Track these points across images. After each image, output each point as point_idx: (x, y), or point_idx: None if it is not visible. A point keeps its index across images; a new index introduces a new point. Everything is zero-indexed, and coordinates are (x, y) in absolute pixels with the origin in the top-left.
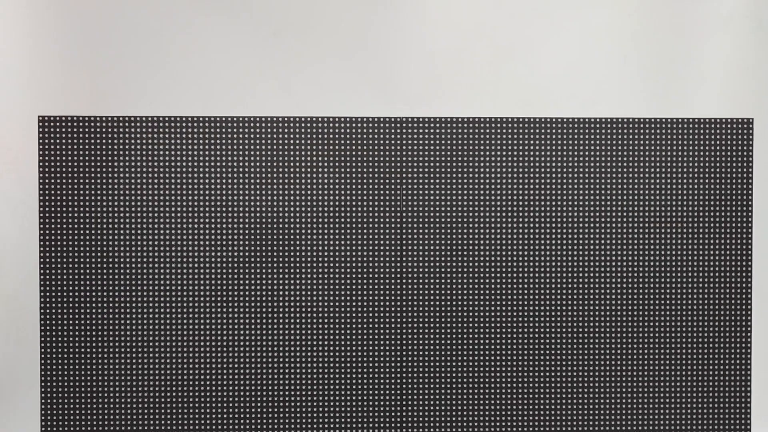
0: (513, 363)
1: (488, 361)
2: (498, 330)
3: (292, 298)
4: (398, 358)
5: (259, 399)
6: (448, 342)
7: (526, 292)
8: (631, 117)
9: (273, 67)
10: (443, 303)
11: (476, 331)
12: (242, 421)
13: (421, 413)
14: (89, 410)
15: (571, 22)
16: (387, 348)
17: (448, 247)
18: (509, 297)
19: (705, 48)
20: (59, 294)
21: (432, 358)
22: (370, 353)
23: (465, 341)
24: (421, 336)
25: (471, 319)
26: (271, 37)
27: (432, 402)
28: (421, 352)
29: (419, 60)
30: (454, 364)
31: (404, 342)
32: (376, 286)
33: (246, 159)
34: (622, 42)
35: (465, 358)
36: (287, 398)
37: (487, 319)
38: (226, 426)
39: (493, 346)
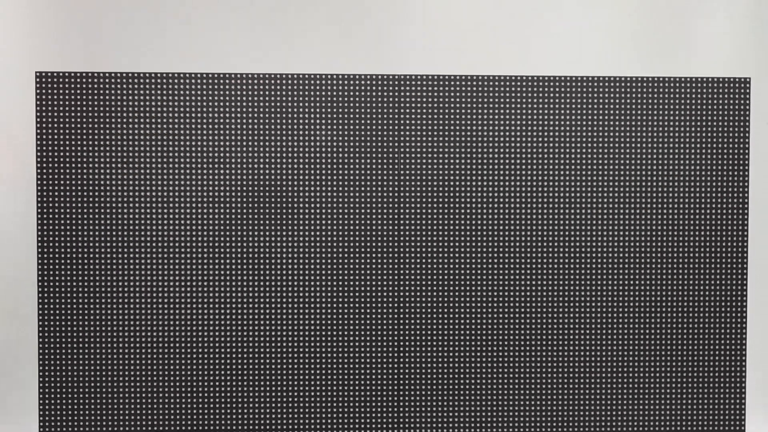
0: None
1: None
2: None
3: (291, 259)
4: (396, 315)
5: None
6: (445, 296)
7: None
8: (627, 76)
9: (271, 27)
10: (441, 262)
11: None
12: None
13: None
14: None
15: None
16: (384, 306)
17: (447, 208)
18: (504, 259)
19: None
20: (56, 258)
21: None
22: (367, 314)
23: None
24: (418, 293)
25: (467, 277)
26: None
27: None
28: (418, 308)
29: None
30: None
31: (401, 301)
32: (373, 243)
33: (243, 115)
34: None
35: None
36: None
37: (483, 278)
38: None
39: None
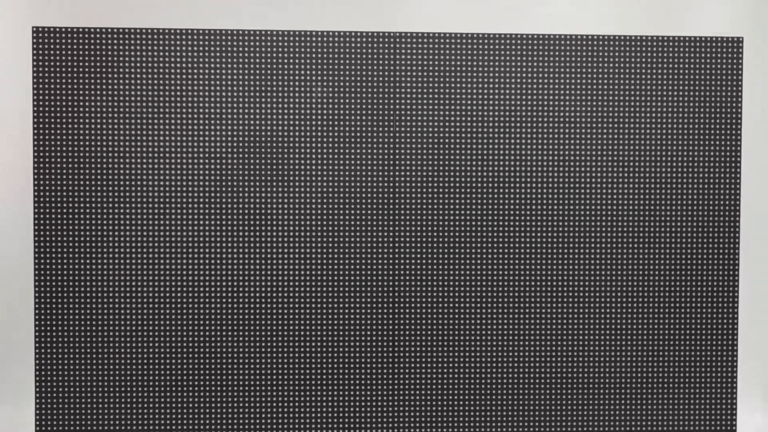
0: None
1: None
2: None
3: (286, 218)
4: (390, 274)
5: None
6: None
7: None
8: (621, 34)
9: None
10: (435, 219)
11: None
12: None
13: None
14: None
15: None
16: (377, 260)
17: (439, 163)
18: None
19: None
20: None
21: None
22: (360, 270)
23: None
24: (413, 252)
25: (461, 235)
26: None
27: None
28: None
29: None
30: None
31: (396, 256)
32: (367, 200)
33: (239, 72)
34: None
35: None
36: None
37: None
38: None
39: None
